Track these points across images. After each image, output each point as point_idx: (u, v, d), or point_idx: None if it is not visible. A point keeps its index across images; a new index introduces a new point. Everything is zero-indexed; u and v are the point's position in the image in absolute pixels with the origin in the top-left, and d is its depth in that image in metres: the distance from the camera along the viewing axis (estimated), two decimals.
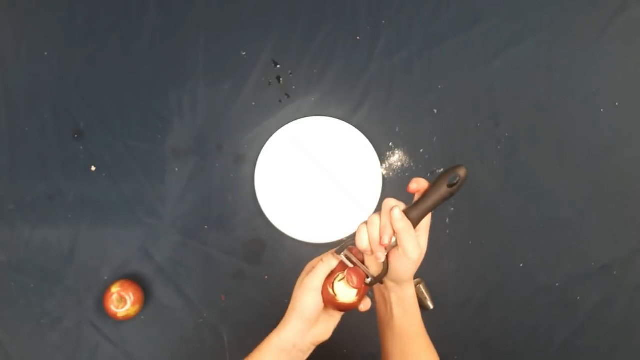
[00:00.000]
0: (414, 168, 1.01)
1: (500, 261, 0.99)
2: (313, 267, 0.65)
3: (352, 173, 0.99)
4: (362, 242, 0.62)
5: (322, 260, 0.65)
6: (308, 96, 1.02)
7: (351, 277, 0.64)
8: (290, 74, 1.02)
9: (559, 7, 1.04)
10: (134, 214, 0.98)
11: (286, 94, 1.02)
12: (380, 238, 0.61)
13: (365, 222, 0.63)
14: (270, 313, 0.98)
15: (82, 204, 0.98)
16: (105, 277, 0.97)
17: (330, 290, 0.64)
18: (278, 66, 1.02)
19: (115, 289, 0.92)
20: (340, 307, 0.64)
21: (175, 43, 1.02)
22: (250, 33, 1.02)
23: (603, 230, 1.00)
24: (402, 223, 0.60)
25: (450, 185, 0.60)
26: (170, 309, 0.97)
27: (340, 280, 0.64)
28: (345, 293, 0.64)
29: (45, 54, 1.01)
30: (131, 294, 0.92)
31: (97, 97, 1.00)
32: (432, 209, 0.62)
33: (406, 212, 0.61)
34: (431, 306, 0.96)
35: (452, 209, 0.99)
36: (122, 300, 0.92)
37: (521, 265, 0.99)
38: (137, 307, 0.93)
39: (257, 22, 1.03)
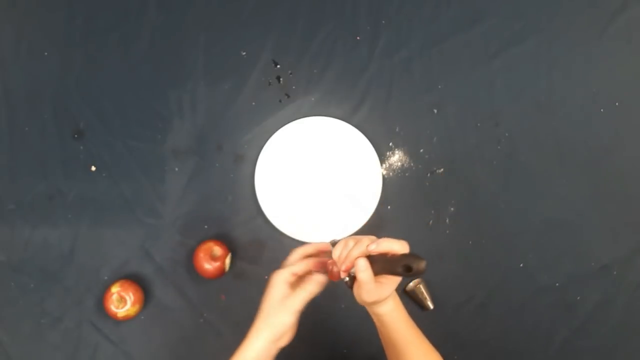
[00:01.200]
0: (413, 168, 1.01)
1: (500, 261, 0.99)
2: (285, 280, 0.66)
3: (352, 173, 0.99)
4: (334, 254, 0.66)
5: (304, 289, 0.66)
6: (308, 96, 1.02)
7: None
8: (290, 74, 1.02)
9: (559, 7, 1.04)
10: (134, 214, 0.98)
11: (286, 94, 1.02)
12: (341, 263, 0.64)
13: (347, 239, 0.65)
14: None
15: (82, 204, 0.98)
16: (105, 277, 0.97)
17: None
18: (278, 66, 1.02)
19: (115, 289, 0.92)
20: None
21: (175, 43, 1.02)
22: (250, 33, 1.02)
23: (603, 230, 1.00)
24: (364, 275, 0.62)
25: (405, 267, 0.58)
26: (170, 309, 0.97)
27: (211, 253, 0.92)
28: None
29: (45, 54, 1.01)
30: (131, 294, 0.92)
31: (97, 97, 1.00)
32: (389, 274, 0.63)
33: (371, 259, 0.62)
34: (431, 306, 0.96)
35: (452, 209, 0.99)
36: (122, 300, 0.92)
37: (521, 265, 0.99)
38: (137, 307, 0.93)
39: (257, 22, 1.02)
